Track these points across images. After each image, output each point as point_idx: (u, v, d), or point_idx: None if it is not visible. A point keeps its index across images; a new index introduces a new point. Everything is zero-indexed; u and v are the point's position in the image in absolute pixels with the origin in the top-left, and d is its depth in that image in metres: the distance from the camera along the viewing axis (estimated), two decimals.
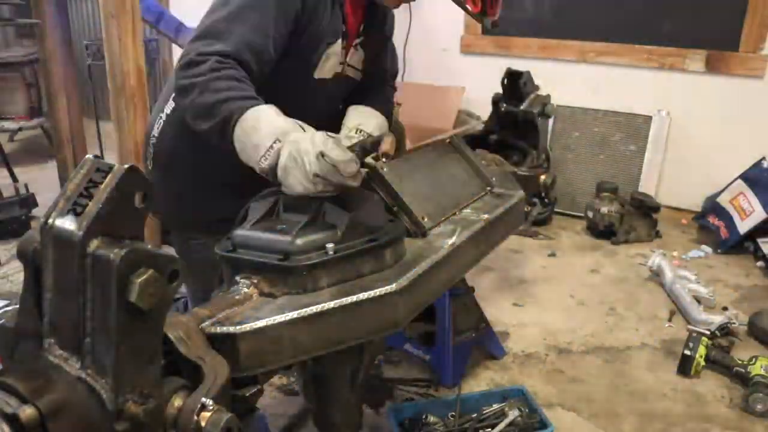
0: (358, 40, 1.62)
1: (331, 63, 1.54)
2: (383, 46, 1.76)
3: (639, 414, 2.03)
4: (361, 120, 1.67)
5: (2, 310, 2.40)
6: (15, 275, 2.96)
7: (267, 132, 1.21)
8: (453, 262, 1.29)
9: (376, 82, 1.77)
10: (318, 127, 1.27)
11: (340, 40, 1.53)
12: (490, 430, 1.81)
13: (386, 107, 1.77)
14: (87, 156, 0.79)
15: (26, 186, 3.56)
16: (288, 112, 1.30)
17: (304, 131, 1.21)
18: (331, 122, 1.63)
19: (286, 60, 1.45)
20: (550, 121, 3.61)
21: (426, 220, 1.33)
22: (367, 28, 1.63)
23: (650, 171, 3.67)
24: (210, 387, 0.82)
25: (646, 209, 3.41)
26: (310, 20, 1.44)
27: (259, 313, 0.99)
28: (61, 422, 0.70)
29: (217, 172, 1.48)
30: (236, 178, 1.33)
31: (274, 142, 1.19)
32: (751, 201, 3.24)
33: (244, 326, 0.95)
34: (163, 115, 1.61)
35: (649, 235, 3.45)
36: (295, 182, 1.14)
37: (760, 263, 3.13)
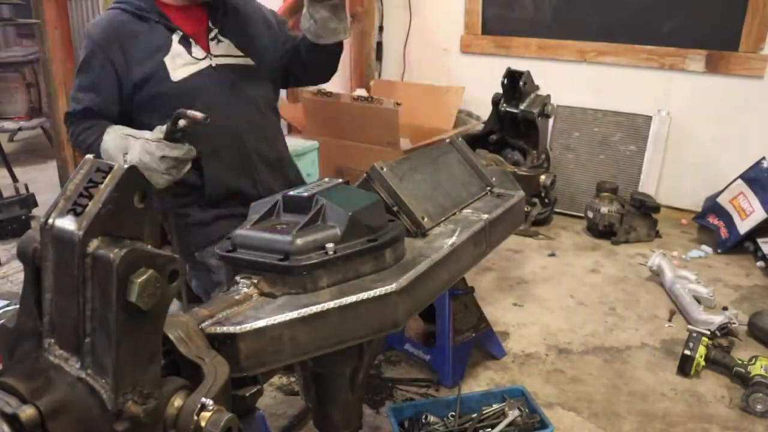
0: (212, 35, 1.87)
1: (180, 62, 1.81)
2: (258, 26, 1.98)
3: (639, 414, 2.03)
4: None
5: (2, 310, 2.39)
6: (15, 275, 2.96)
7: (115, 154, 1.68)
8: (453, 262, 1.29)
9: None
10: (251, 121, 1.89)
11: (175, 46, 1.81)
12: (490, 430, 1.81)
13: None
14: (87, 156, 0.79)
15: (26, 186, 3.56)
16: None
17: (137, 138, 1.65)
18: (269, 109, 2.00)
19: (147, 81, 1.79)
20: (550, 121, 3.60)
21: (426, 220, 1.33)
22: (218, 21, 1.88)
23: (650, 171, 3.67)
24: (210, 387, 0.82)
25: (646, 209, 3.41)
26: (129, 58, 1.77)
27: (259, 313, 0.99)
28: (61, 422, 0.70)
29: None
30: None
31: (124, 157, 1.65)
32: (751, 201, 3.24)
33: (244, 326, 0.95)
34: None
35: (649, 235, 3.45)
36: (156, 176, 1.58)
37: (760, 263, 3.13)
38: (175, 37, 1.82)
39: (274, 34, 2.01)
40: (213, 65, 1.84)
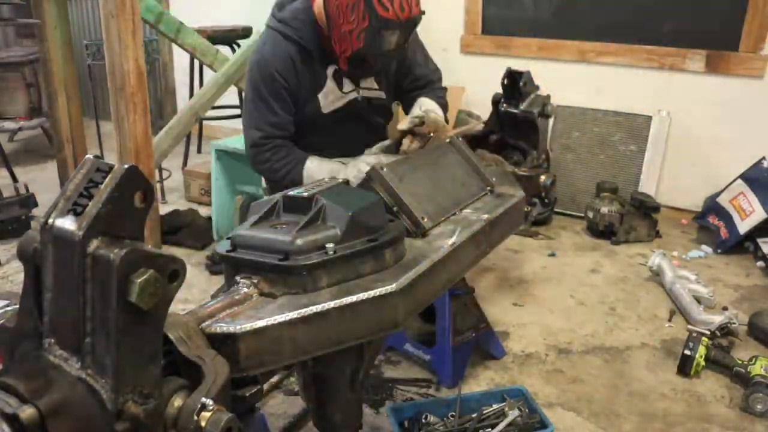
0: None
1: (331, 98, 2.04)
2: (394, 62, 2.12)
3: (639, 414, 2.04)
4: (424, 104, 2.12)
5: (2, 310, 2.40)
6: (15, 275, 2.96)
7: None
8: (453, 262, 1.29)
9: (421, 87, 2.23)
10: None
11: (329, 83, 2.03)
12: (490, 430, 1.81)
13: (440, 101, 2.20)
14: (87, 156, 0.79)
15: (26, 186, 3.56)
16: (338, 137, 2.04)
17: (345, 165, 1.92)
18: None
19: (301, 109, 2.04)
20: (550, 121, 3.61)
21: (426, 220, 1.33)
22: None
23: (650, 171, 3.66)
24: (210, 387, 0.82)
25: (646, 209, 3.41)
26: (297, 88, 2.00)
27: (259, 313, 0.99)
28: (61, 422, 0.70)
29: None
30: None
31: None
32: (751, 201, 3.23)
33: (244, 326, 0.95)
34: None
35: (649, 235, 3.45)
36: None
37: (760, 263, 3.13)
38: (330, 71, 2.02)
39: (402, 67, 2.18)
40: (359, 99, 2.08)
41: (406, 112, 2.09)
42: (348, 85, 2.06)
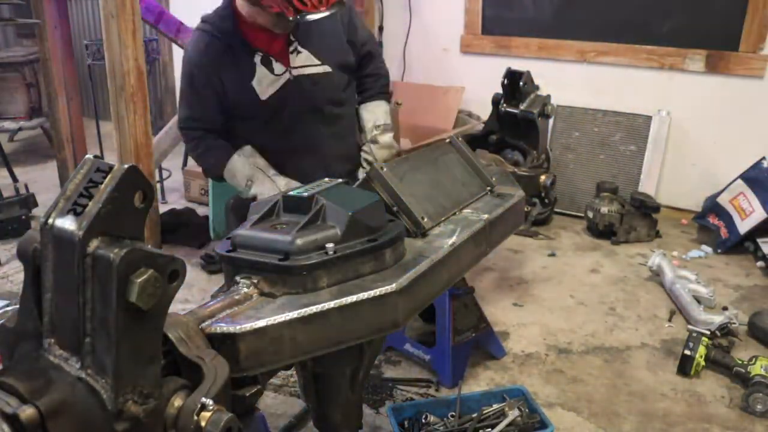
0: (292, 47, 2.05)
1: (265, 84, 2.03)
2: (338, 26, 2.11)
3: (639, 414, 2.03)
4: (373, 116, 2.23)
5: (2, 310, 2.39)
6: (15, 275, 2.96)
7: (240, 178, 2.04)
8: (453, 262, 1.29)
9: (363, 62, 2.24)
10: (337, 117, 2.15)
11: (258, 69, 2.02)
12: (490, 430, 1.81)
13: (379, 87, 2.28)
14: (87, 156, 0.79)
15: (26, 186, 3.56)
16: (297, 136, 2.09)
17: (268, 176, 2.00)
18: (346, 112, 2.21)
19: (240, 102, 2.04)
20: (550, 121, 3.61)
21: (426, 220, 1.33)
22: (298, 32, 2.04)
23: (650, 171, 3.67)
24: (210, 387, 0.82)
25: (646, 209, 3.41)
26: (224, 81, 2.02)
27: (259, 313, 0.99)
28: (61, 422, 0.70)
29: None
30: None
31: (246, 183, 2.02)
32: (751, 201, 3.23)
33: (244, 326, 0.95)
34: None
35: (649, 235, 3.45)
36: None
37: (760, 263, 3.13)
38: (257, 59, 2.03)
39: (354, 34, 2.17)
40: (292, 78, 2.04)
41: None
42: (279, 68, 2.04)
